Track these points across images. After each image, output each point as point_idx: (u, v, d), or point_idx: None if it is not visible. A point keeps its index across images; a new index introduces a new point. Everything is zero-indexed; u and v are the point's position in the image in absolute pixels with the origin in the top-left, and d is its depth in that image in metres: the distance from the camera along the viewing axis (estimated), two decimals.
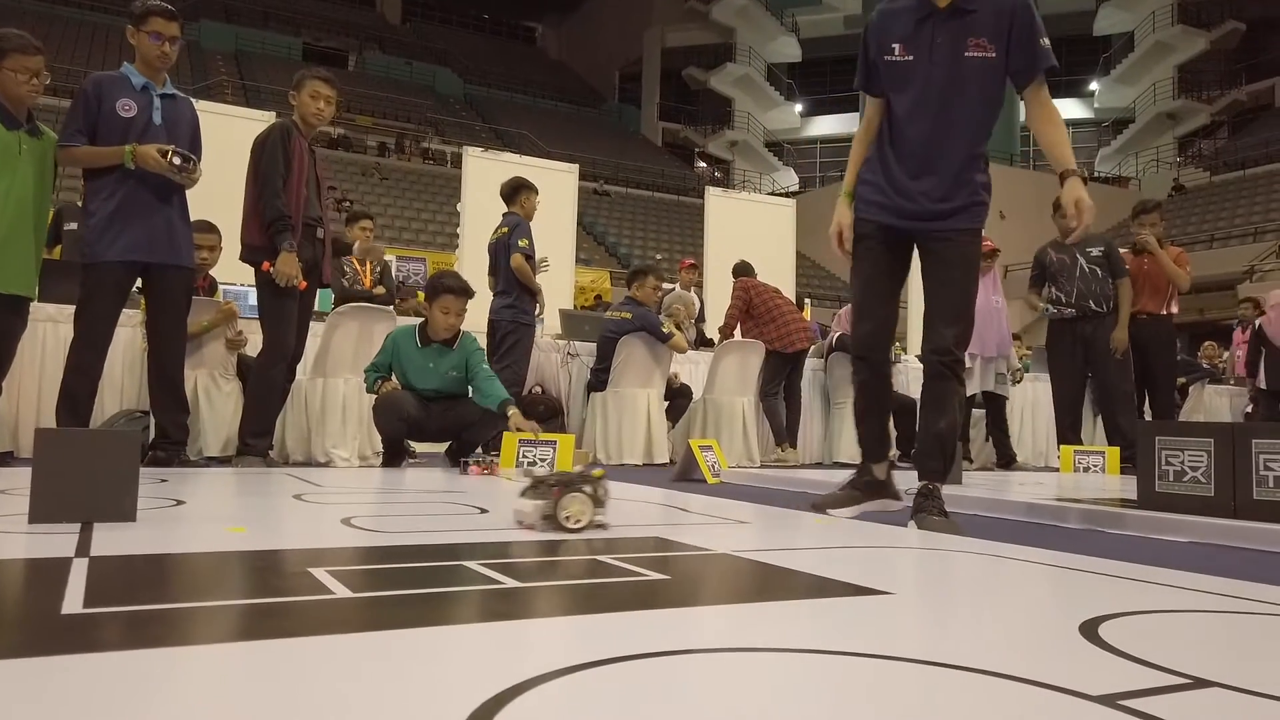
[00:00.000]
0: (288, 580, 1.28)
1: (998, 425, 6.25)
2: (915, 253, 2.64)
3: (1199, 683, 0.88)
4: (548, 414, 6.19)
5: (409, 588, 1.26)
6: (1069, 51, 33.78)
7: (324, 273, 4.09)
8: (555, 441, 4.22)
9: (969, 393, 5.93)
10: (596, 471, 1.99)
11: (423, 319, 4.33)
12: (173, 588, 1.25)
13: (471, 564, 1.46)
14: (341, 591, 1.18)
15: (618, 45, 37.48)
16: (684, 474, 4.43)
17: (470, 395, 4.34)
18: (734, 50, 33.83)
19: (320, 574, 1.30)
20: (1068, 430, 5.56)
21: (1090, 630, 1.08)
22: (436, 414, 4.26)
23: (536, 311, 5.63)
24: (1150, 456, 2.87)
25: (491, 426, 4.20)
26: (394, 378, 4.29)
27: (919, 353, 2.83)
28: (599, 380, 5.99)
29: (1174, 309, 5.67)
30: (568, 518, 1.85)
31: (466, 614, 1.11)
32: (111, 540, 1.55)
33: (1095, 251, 5.48)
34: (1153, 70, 29.70)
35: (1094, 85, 32.88)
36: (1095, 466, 5.16)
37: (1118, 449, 5.27)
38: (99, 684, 0.76)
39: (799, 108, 35.74)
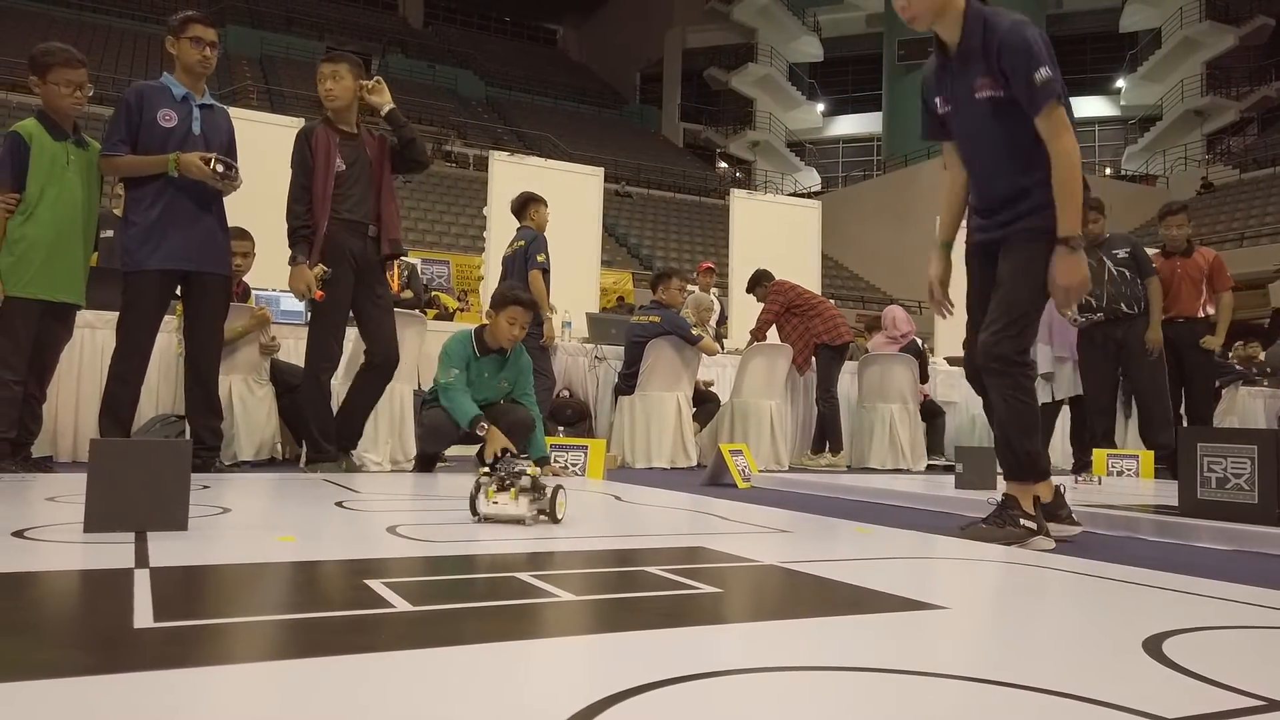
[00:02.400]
0: (348, 593, 1.30)
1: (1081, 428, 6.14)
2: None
3: (1272, 705, 0.87)
4: (575, 417, 6.22)
5: (466, 601, 1.28)
6: (1094, 49, 33.48)
7: (384, 265, 4.02)
8: (586, 446, 4.24)
9: (1059, 395, 5.92)
10: (531, 469, 2.14)
11: (481, 325, 4.26)
12: (237, 601, 1.27)
13: (523, 575, 1.47)
14: (402, 605, 1.20)
15: (638, 46, 37.49)
16: (714, 478, 4.43)
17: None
18: (755, 50, 33.75)
19: (377, 586, 1.31)
20: (1101, 436, 5.51)
21: (1154, 647, 1.08)
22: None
23: (544, 331, 5.60)
24: (1192, 463, 2.84)
25: (524, 437, 4.18)
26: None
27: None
28: (627, 384, 6.00)
29: (1209, 311, 5.61)
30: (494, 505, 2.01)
31: (529, 629, 1.12)
32: (167, 550, 1.57)
33: (1121, 254, 5.41)
34: (1180, 67, 29.35)
35: (1120, 82, 32.54)
36: (1129, 470, 5.12)
37: (1151, 453, 5.22)
38: (186, 701, 0.78)
39: (821, 107, 35.62)
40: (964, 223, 2.73)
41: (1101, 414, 5.53)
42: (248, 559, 1.59)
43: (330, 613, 1.15)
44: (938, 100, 2.60)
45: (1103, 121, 34.00)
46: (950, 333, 8.73)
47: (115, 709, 0.75)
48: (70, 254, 3.56)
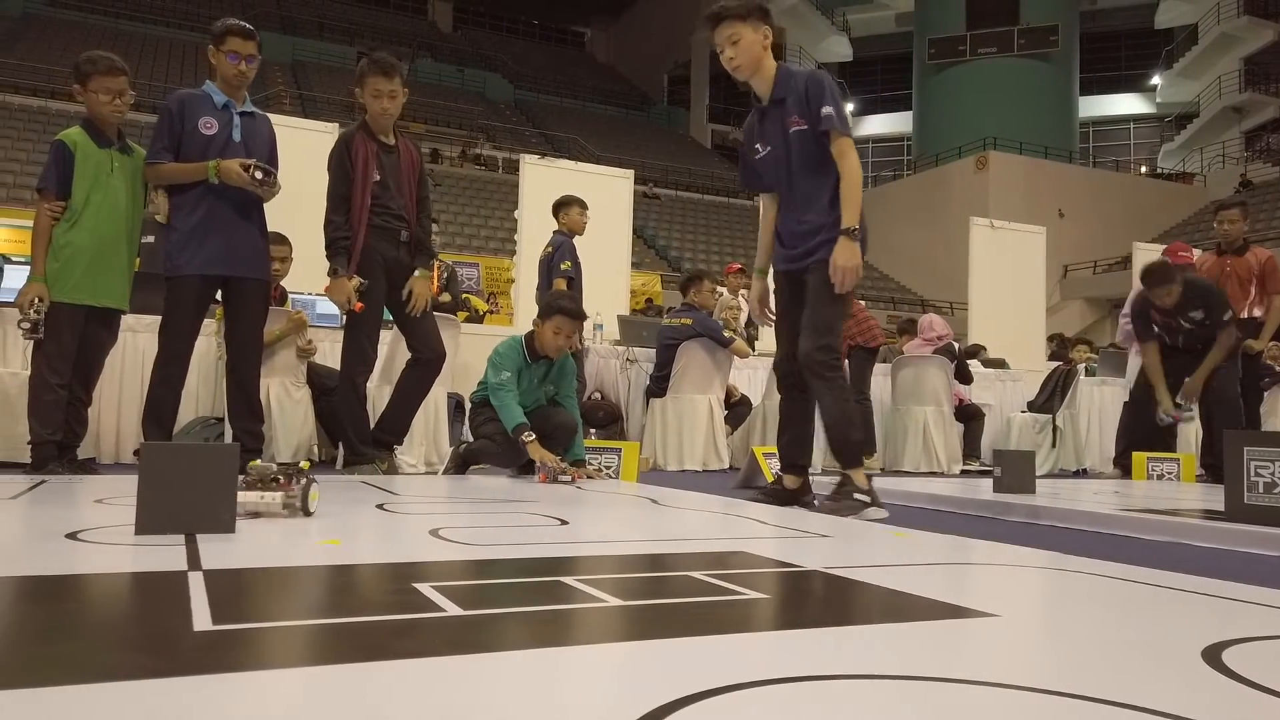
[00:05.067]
0: (399, 596, 1.31)
1: None
2: None
3: None
4: (607, 420, 6.23)
5: (515, 605, 1.28)
6: (1129, 46, 33.05)
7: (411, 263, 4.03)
8: (621, 449, 4.24)
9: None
10: (304, 464, 2.24)
11: (530, 332, 4.27)
12: (291, 604, 1.29)
13: (567, 580, 1.48)
14: (453, 609, 1.21)
15: (666, 48, 37.53)
16: (747, 481, 4.41)
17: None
18: (784, 50, 33.60)
19: (426, 589, 1.33)
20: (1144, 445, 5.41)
21: (1214, 657, 1.06)
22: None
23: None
24: (1238, 467, 2.79)
25: (561, 442, 4.18)
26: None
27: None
28: (658, 386, 6.00)
29: (1255, 312, 5.50)
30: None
31: (580, 635, 1.13)
32: (217, 553, 1.60)
33: (1196, 315, 5.15)
34: (1218, 63, 28.87)
35: (1156, 79, 32.08)
36: (1169, 474, 5.04)
37: (1193, 456, 5.13)
38: (255, 704, 0.79)
39: (850, 107, 35.42)
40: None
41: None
42: (296, 562, 1.61)
43: (383, 616, 1.16)
44: (757, 145, 3.22)
45: (1138, 119, 33.54)
46: (982, 336, 8.65)
47: (184, 712, 0.76)
48: (114, 260, 3.62)
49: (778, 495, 3.27)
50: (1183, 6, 29.46)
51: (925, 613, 1.30)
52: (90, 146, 3.59)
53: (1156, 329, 5.29)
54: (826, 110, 3.00)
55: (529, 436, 3.91)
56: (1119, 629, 1.25)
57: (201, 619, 1.10)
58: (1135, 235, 14.33)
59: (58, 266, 3.51)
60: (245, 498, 2.03)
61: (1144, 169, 31.34)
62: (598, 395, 6.27)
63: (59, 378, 3.49)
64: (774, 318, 3.33)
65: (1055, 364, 7.66)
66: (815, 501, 3.17)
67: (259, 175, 3.61)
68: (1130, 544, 2.57)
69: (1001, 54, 27.95)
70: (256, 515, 2.07)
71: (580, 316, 4.23)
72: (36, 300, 3.46)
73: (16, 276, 4.59)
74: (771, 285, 3.43)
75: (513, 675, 0.92)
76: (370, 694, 0.82)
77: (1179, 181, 28.15)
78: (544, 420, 4.16)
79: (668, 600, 1.35)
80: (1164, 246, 10.78)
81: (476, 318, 8.23)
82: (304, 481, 2.17)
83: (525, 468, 4.43)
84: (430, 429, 4.90)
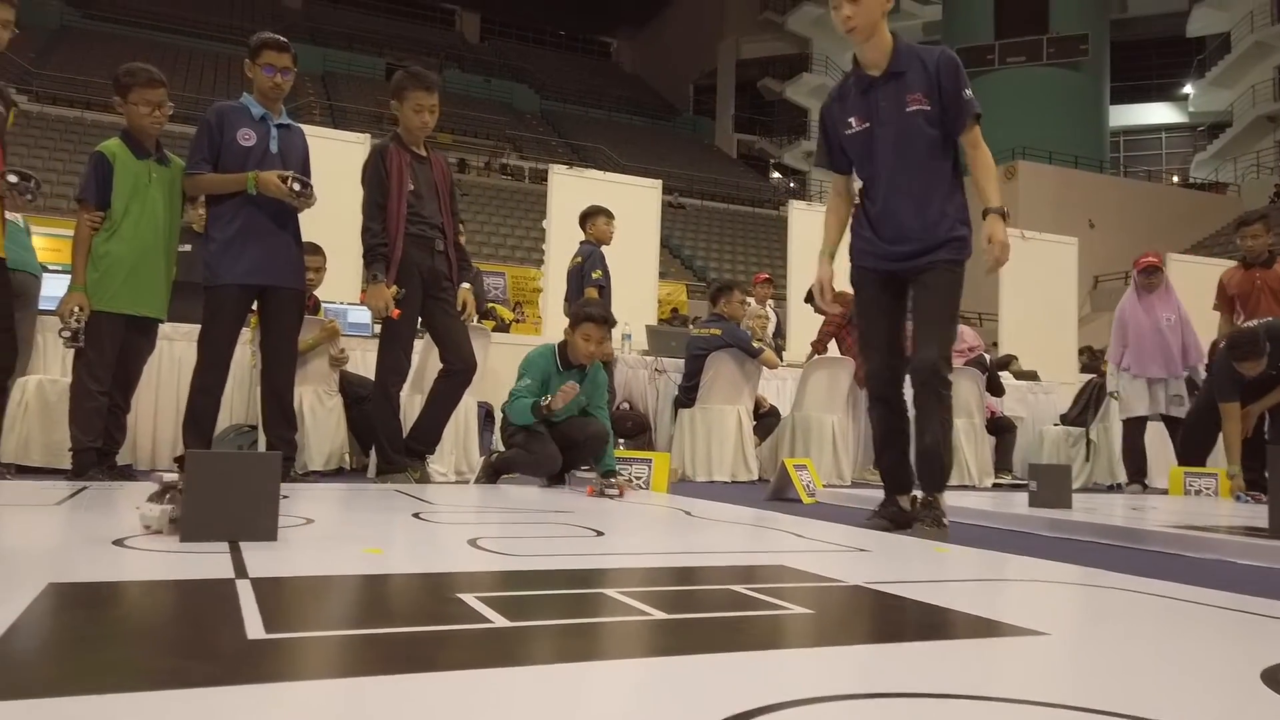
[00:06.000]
0: (445, 606, 1.31)
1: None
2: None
3: None
4: (635, 430, 6.23)
5: (561, 617, 1.29)
6: (1160, 54, 32.71)
7: (454, 279, 4.08)
8: (651, 460, 4.24)
9: (1138, 413, 5.78)
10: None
11: (564, 340, 4.29)
12: (340, 613, 1.30)
13: (611, 592, 1.48)
14: (499, 620, 1.21)
15: (692, 58, 37.62)
16: (778, 493, 4.40)
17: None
18: (810, 60, 33.63)
19: (471, 600, 1.33)
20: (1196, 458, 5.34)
21: (1275, 679, 1.04)
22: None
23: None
24: None
25: (593, 452, 4.20)
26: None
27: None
28: (687, 396, 6.00)
29: None
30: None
31: (631, 648, 1.13)
32: (263, 561, 1.61)
33: None
34: (1251, 72, 28.50)
35: (1188, 88, 31.72)
36: (1207, 489, 4.96)
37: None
38: (317, 714, 0.80)
39: None
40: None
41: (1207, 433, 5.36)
42: (341, 571, 1.62)
43: (431, 627, 1.17)
44: (850, 119, 2.89)
45: (1170, 128, 33.18)
46: (1013, 348, 8.57)
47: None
48: (153, 269, 3.68)
49: (897, 519, 2.91)
50: (1215, 14, 29.13)
51: (973, 630, 1.28)
52: (129, 158, 3.65)
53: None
54: (969, 94, 2.75)
55: (545, 401, 4.06)
56: (1172, 648, 1.24)
57: (254, 627, 1.11)
58: (1168, 246, 14.15)
59: (97, 276, 3.57)
60: (147, 509, 1.88)
61: (1176, 179, 30.98)
62: (626, 405, 6.27)
63: (99, 385, 3.54)
64: (840, 309, 3.06)
65: (1088, 376, 7.57)
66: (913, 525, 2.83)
67: (296, 187, 3.65)
68: (1172, 561, 2.53)
69: (1030, 63, 27.76)
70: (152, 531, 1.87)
71: (609, 322, 4.25)
72: (77, 309, 3.52)
73: (55, 285, 4.67)
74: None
75: (564, 688, 0.92)
76: (426, 705, 0.82)
77: (1212, 191, 27.78)
78: (576, 430, 4.18)
79: (712, 614, 1.35)
80: (1199, 259, 10.65)
81: (503, 327, 8.27)
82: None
83: (556, 478, 4.44)
84: (460, 438, 4.93)
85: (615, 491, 3.62)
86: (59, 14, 28.24)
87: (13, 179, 3.35)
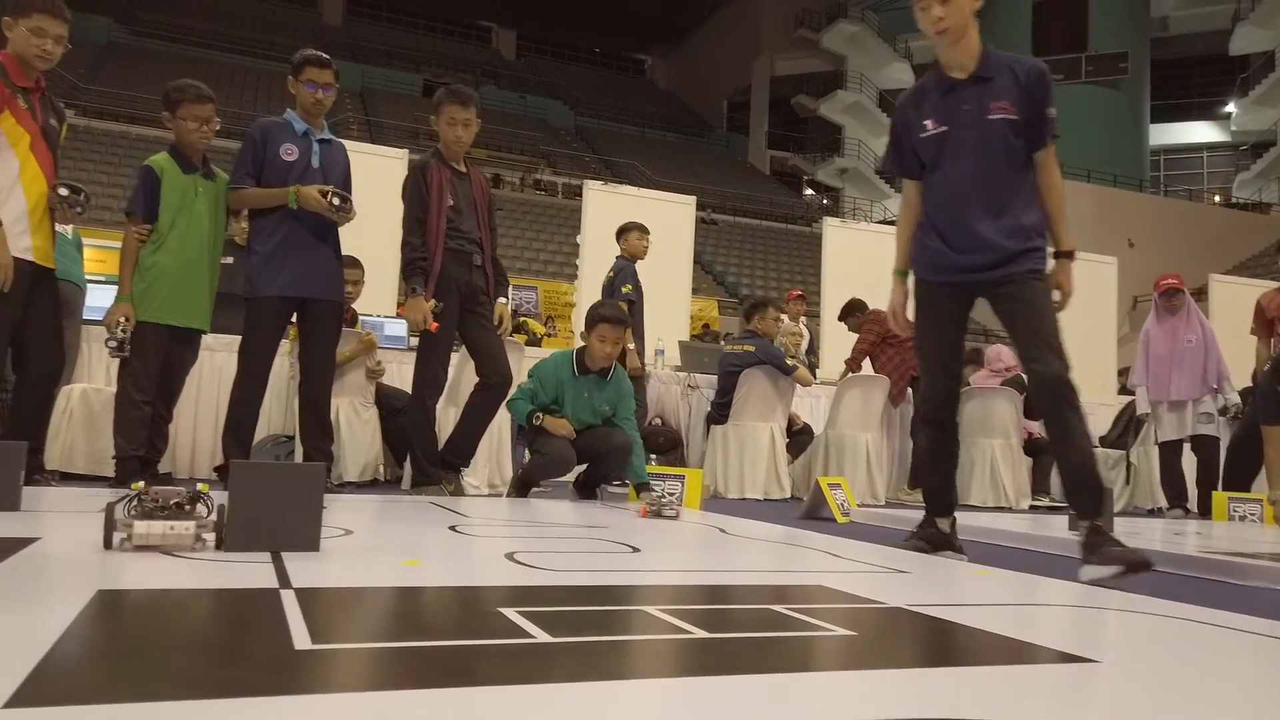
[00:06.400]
0: (485, 620, 1.32)
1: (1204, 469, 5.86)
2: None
3: None
4: (667, 445, 6.22)
5: (603, 634, 1.28)
6: (1203, 73, 32.27)
7: (490, 293, 4.12)
8: (684, 476, 4.23)
9: (1171, 436, 5.71)
10: (203, 486, 1.87)
11: (582, 346, 4.33)
12: (384, 624, 1.31)
13: (651, 609, 1.47)
14: (541, 635, 1.21)
15: (726, 74, 37.70)
16: (812, 511, 4.37)
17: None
18: (844, 77, 33.56)
19: (512, 614, 1.33)
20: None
21: None
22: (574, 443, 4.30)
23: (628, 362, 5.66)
24: None
25: (617, 463, 4.21)
26: (552, 411, 4.30)
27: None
28: (720, 413, 5.98)
29: None
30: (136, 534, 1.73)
31: (676, 666, 1.12)
32: (305, 571, 1.62)
33: None
34: None
35: (1230, 107, 31.27)
36: (1252, 515, 4.85)
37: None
38: None
39: None
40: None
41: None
42: (382, 583, 1.63)
43: (475, 641, 1.17)
44: (927, 122, 2.72)
45: (1211, 147, 32.70)
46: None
47: None
48: (197, 281, 3.74)
49: (935, 540, 2.78)
50: (1259, 33, 28.69)
51: (1023, 656, 1.26)
52: (176, 172, 3.72)
53: None
54: (1053, 113, 2.64)
55: (538, 419, 4.15)
56: (1231, 678, 1.21)
57: (301, 638, 1.12)
58: (1209, 267, 13.92)
59: (143, 287, 3.64)
60: (148, 528, 1.73)
61: (1218, 198, 30.49)
62: (658, 421, 6.27)
63: (143, 394, 3.61)
64: (910, 329, 2.85)
65: (1128, 398, 7.44)
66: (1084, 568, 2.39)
67: (336, 201, 3.70)
68: (1222, 590, 2.48)
69: (1069, 81, 27.51)
70: (150, 549, 1.73)
71: (622, 322, 4.26)
72: (123, 320, 3.59)
73: (99, 296, 4.77)
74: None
75: (609, 706, 0.91)
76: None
77: (1255, 211, 27.30)
78: (600, 441, 4.21)
79: (753, 634, 1.34)
80: (1240, 280, 10.46)
81: (535, 341, 8.32)
82: (215, 506, 1.84)
83: (588, 492, 4.44)
84: (493, 452, 4.94)
85: (672, 513, 3.41)
86: (107, 31, 28.92)
87: (63, 192, 3.43)
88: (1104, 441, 6.99)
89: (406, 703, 0.89)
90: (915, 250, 2.82)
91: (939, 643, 1.37)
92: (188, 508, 1.80)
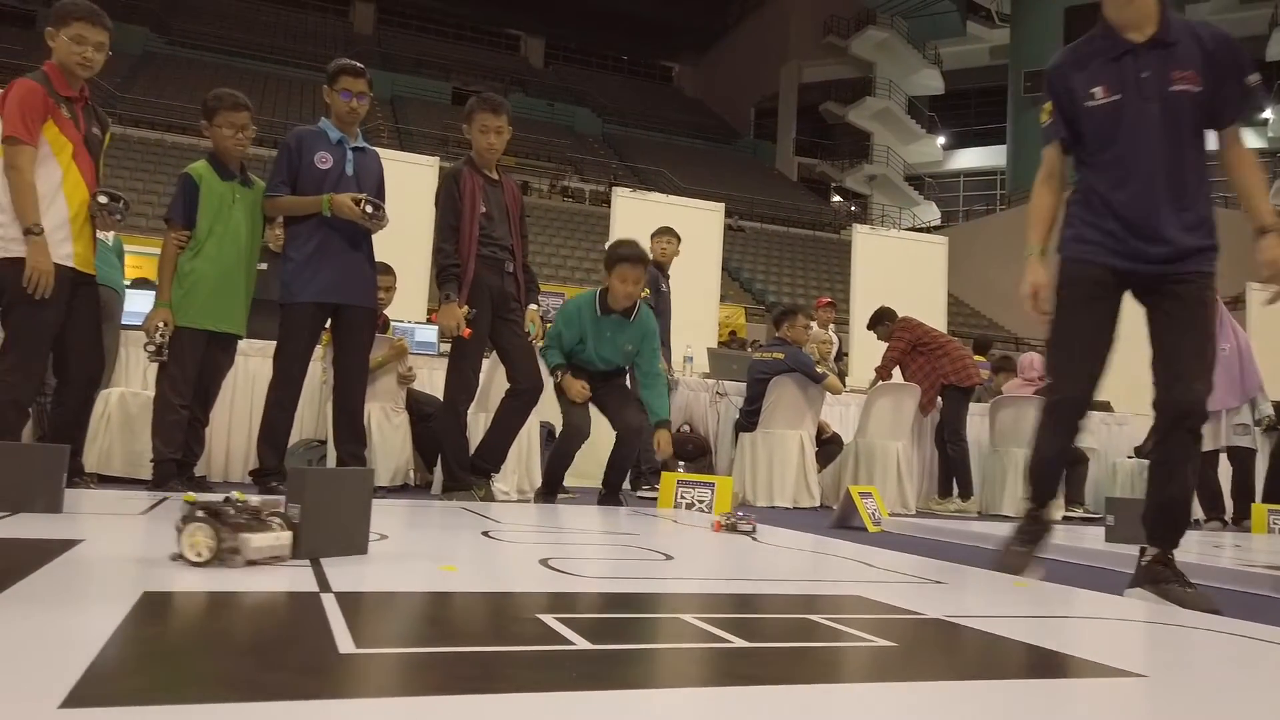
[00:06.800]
0: (525, 626, 1.32)
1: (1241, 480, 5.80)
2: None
3: None
4: (696, 453, 6.21)
5: (642, 642, 1.28)
6: None
7: (522, 300, 4.16)
8: (714, 484, 4.22)
9: (1206, 447, 5.62)
10: (238, 494, 1.75)
11: (605, 287, 4.33)
12: (425, 629, 1.32)
13: (687, 617, 1.47)
14: (581, 642, 1.21)
15: (753, 81, 37.64)
16: (843, 520, 4.34)
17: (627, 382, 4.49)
18: (873, 84, 33.41)
19: (551, 620, 1.33)
20: None
21: None
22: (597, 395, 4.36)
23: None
24: None
25: (631, 449, 4.35)
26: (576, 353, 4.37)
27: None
28: (748, 420, 5.96)
29: None
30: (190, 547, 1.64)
31: (718, 675, 1.12)
32: (344, 576, 1.64)
33: None
34: None
35: (1268, 114, 30.75)
36: None
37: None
38: None
39: (941, 140, 34.94)
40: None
41: None
42: (420, 587, 1.64)
43: (516, 647, 1.18)
44: (1097, 89, 2.40)
45: None
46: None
47: None
48: (234, 287, 3.79)
49: (1040, 537, 2.56)
50: None
51: (1069, 669, 1.25)
52: (214, 179, 3.78)
53: None
54: (1255, 80, 2.36)
55: (561, 373, 4.24)
56: (1273, 695, 1.18)
57: (344, 642, 1.13)
58: (1248, 275, 13.66)
59: (182, 293, 3.69)
60: (258, 540, 1.66)
61: None
62: (687, 428, 6.26)
63: (181, 399, 3.66)
64: (1049, 313, 2.54)
65: None
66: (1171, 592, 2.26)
67: (369, 209, 3.74)
68: (1269, 604, 2.43)
69: None
70: (251, 563, 1.65)
71: (641, 260, 4.28)
72: (162, 325, 3.64)
73: (137, 301, 4.84)
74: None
75: (658, 715, 0.91)
76: None
77: None
78: (612, 412, 4.34)
79: (793, 644, 1.33)
80: None
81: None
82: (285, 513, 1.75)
83: (607, 499, 4.41)
84: (523, 457, 4.96)
85: (749, 527, 3.08)
86: (143, 41, 29.40)
87: (103, 200, 3.48)
88: (1140, 452, 6.89)
89: (456, 708, 0.89)
90: (1072, 230, 2.51)
91: (982, 655, 1.35)
92: (267, 517, 1.73)
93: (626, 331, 4.29)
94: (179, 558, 1.65)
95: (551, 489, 4.43)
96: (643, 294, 5.73)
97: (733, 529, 3.05)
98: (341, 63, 3.95)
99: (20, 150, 3.24)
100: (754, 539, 2.94)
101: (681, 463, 6.00)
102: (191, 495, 1.78)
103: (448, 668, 1.06)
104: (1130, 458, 6.93)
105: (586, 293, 4.41)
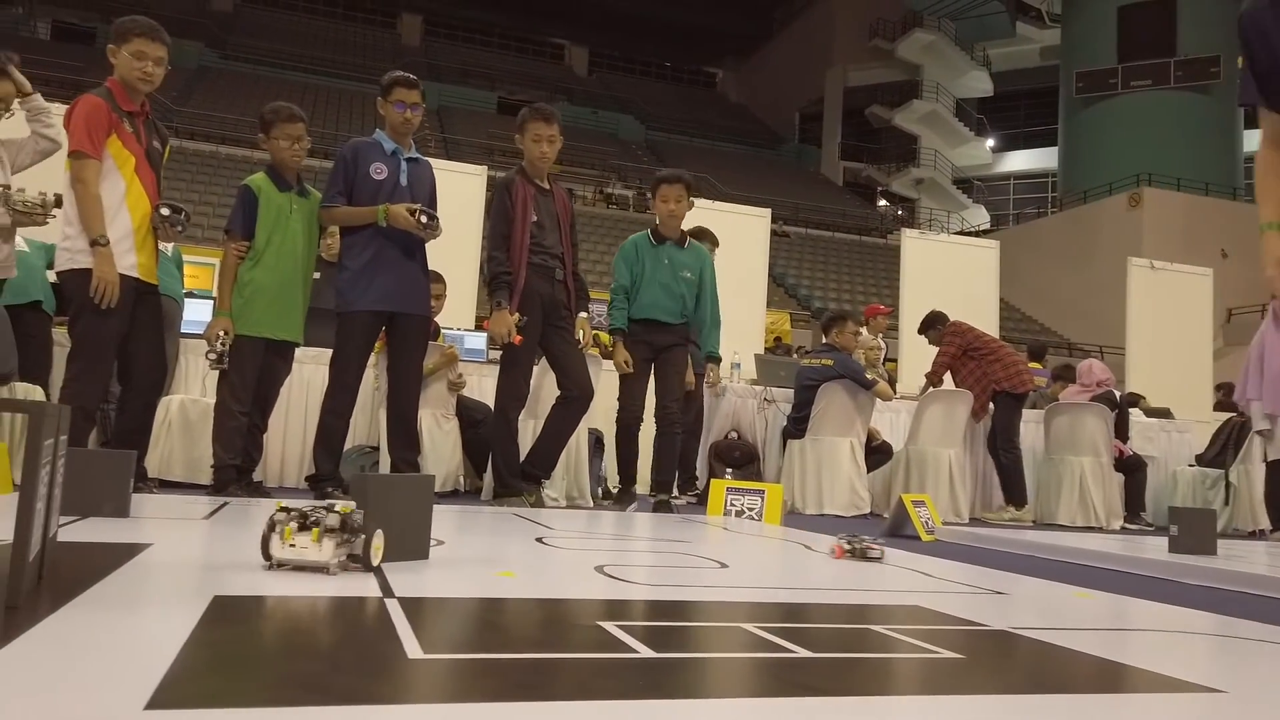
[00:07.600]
0: (587, 634, 1.32)
1: None
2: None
3: None
4: (744, 459, 6.18)
5: (705, 650, 1.28)
6: None
7: (572, 307, 4.23)
8: (764, 491, 4.20)
9: (1276, 455, 5.47)
10: (343, 506, 1.71)
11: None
12: (488, 636, 1.32)
13: (748, 626, 1.46)
14: (644, 650, 1.21)
15: (798, 86, 37.47)
16: (895, 529, 4.28)
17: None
18: (920, 87, 33.07)
19: (612, 628, 1.34)
20: None
21: None
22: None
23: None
24: None
25: (668, 441, 4.46)
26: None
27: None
28: (796, 427, 5.92)
29: None
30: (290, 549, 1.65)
31: (787, 686, 1.11)
32: (405, 581, 1.65)
33: None
34: None
35: None
36: None
37: None
38: None
39: (990, 143, 34.44)
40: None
41: None
42: (480, 594, 1.65)
43: (581, 654, 1.18)
44: None
45: None
46: (1142, 383, 8.15)
47: None
48: (291, 296, 3.87)
49: None
50: None
51: (1144, 684, 1.22)
52: (272, 190, 3.86)
53: None
54: None
55: (619, 338, 4.41)
56: None
57: (412, 647, 1.14)
58: None
59: (241, 302, 3.78)
60: (298, 548, 1.66)
61: None
62: (734, 435, 6.24)
63: (241, 405, 3.73)
64: None
65: (1226, 415, 7.14)
66: None
67: (424, 219, 3.79)
68: None
69: (1157, 86, 26.62)
70: (288, 566, 1.67)
71: (679, 179, 4.48)
72: (222, 333, 3.72)
73: (196, 310, 4.96)
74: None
75: None
76: None
77: None
78: (659, 395, 4.47)
79: (859, 655, 1.31)
80: None
81: (606, 353, 8.36)
82: (371, 530, 1.72)
83: (660, 505, 4.41)
84: (572, 465, 4.98)
85: (877, 553, 2.67)
86: (198, 55, 30.16)
87: (165, 211, 3.58)
88: (1201, 460, 6.72)
89: (527, 714, 0.90)
90: None
91: (1053, 668, 1.32)
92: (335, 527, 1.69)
93: (682, 257, 4.41)
94: (277, 565, 1.67)
95: (627, 484, 4.53)
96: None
97: (862, 556, 2.65)
98: (395, 75, 4.01)
99: (86, 164, 3.34)
100: (810, 547, 2.91)
101: (729, 470, 5.98)
102: (281, 503, 1.73)
103: (515, 674, 1.07)
104: (1191, 466, 6.75)
105: (638, 234, 4.63)
